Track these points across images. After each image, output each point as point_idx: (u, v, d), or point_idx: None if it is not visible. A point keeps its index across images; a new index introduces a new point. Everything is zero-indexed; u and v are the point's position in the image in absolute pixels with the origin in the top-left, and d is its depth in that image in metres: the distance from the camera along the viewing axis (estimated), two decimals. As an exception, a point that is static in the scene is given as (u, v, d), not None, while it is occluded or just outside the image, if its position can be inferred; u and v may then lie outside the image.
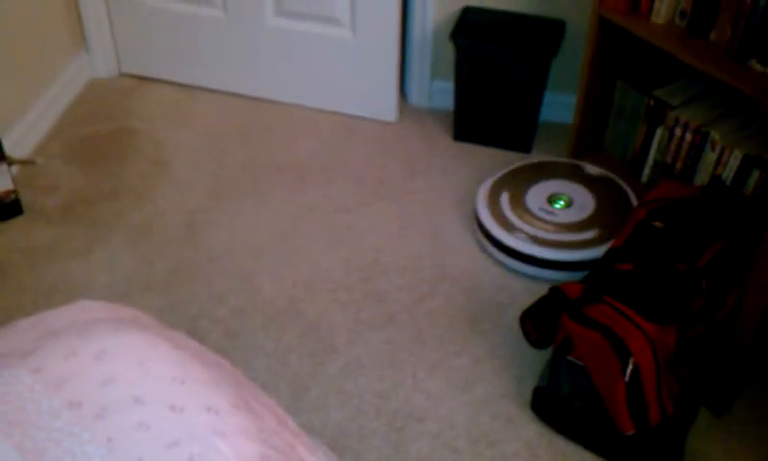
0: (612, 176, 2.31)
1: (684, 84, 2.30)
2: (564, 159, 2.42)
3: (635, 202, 2.20)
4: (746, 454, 1.70)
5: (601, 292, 1.61)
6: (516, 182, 2.29)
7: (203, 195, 2.40)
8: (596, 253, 2.04)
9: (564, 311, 1.62)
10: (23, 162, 2.43)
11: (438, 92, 2.77)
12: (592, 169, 2.34)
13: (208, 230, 2.27)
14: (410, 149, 2.61)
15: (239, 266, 2.14)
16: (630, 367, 1.53)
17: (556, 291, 1.68)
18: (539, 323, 1.81)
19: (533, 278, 2.12)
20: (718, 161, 2.13)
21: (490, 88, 2.50)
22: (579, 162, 2.37)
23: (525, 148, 2.58)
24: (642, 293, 1.61)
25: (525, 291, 2.06)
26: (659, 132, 2.29)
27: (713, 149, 2.13)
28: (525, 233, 2.11)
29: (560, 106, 2.66)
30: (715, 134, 2.13)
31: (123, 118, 2.72)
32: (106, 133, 2.65)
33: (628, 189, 2.26)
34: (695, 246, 1.70)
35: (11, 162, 2.28)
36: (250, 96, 2.83)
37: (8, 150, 2.28)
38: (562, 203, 2.21)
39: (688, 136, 2.20)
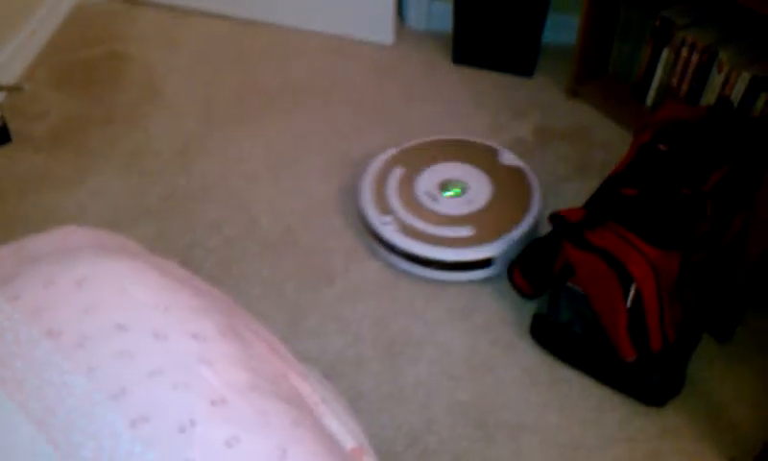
0: (525, 169, 2.05)
1: (690, 5, 2.22)
2: (483, 142, 2.14)
3: (536, 203, 1.95)
4: (747, 380, 1.68)
5: (603, 217, 1.57)
6: (419, 158, 2.07)
7: (196, 121, 2.34)
8: (462, 254, 1.83)
9: (565, 236, 1.58)
10: (10, 88, 2.36)
11: (437, 13, 2.69)
12: (509, 158, 2.08)
13: (202, 157, 2.22)
14: (407, 73, 2.55)
15: (233, 194, 2.10)
16: (632, 293, 1.50)
17: (556, 217, 1.64)
18: (529, 272, 1.77)
19: (403, 270, 1.91)
20: (725, 84, 2.07)
21: (490, 9, 2.42)
22: (498, 148, 2.10)
23: (527, 71, 2.51)
24: (646, 217, 1.57)
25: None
26: (664, 53, 2.22)
27: (720, 71, 2.07)
28: (395, 218, 1.89)
29: (563, 27, 2.58)
30: (723, 56, 2.07)
31: (112, 42, 2.65)
32: (95, 58, 2.57)
33: (534, 186, 1.99)
34: (700, 169, 1.65)
35: (-3, 88, 2.23)
36: (242, 19, 2.75)
37: (-6, 75, 2.23)
38: (452, 191, 1.97)
39: (695, 58, 2.13)
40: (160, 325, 0.84)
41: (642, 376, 1.60)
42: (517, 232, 1.87)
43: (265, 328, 1.08)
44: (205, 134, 2.29)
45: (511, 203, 1.95)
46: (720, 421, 1.61)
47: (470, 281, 1.87)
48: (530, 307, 1.80)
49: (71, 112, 2.35)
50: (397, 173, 2.02)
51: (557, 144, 2.27)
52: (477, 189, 1.98)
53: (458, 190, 1.97)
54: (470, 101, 2.42)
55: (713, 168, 1.65)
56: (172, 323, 0.85)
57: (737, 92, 2.03)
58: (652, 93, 2.31)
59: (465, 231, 1.87)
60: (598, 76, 2.46)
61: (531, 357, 1.72)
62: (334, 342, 1.74)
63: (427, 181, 2.00)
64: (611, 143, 2.27)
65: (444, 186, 1.98)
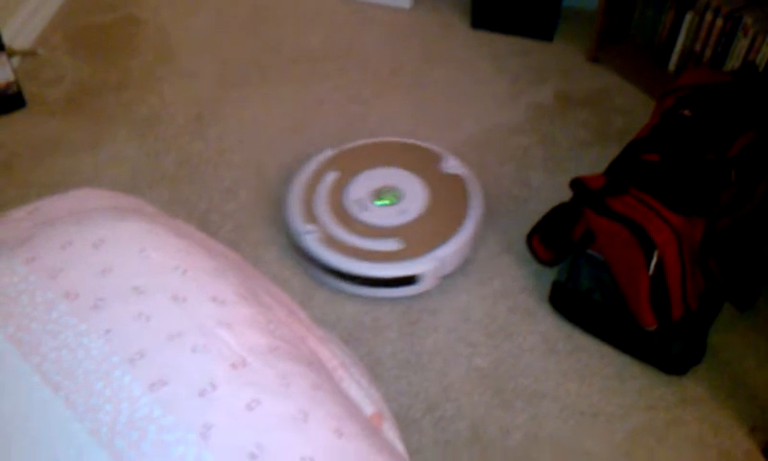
0: (466, 178, 1.89)
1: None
2: (428, 145, 1.99)
3: (473, 217, 1.79)
4: (770, 349, 1.66)
5: (625, 183, 1.54)
6: (357, 161, 1.92)
7: (211, 86, 2.32)
8: (385, 270, 1.69)
9: (586, 203, 1.55)
10: (24, 53, 2.35)
11: (455, -23, 2.65)
12: (452, 166, 1.92)
13: (217, 122, 2.20)
14: (425, 37, 2.51)
15: (249, 159, 2.08)
16: (654, 260, 1.47)
17: (577, 182, 1.61)
18: (548, 239, 1.75)
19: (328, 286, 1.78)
20: (750, 48, 2.02)
21: (509, -28, 2.38)
22: (443, 154, 1.95)
23: (546, 35, 2.47)
24: (669, 184, 1.54)
25: (549, 185, 1.99)
26: (688, 17, 2.18)
27: (745, 35, 2.03)
28: (319, 227, 1.75)
29: (583, -10, 2.54)
30: (748, 19, 2.02)
31: (127, 6, 2.62)
32: (109, 23, 2.55)
33: (475, 197, 1.84)
34: (725, 135, 1.61)
35: (11, 53, 2.20)
36: (258, -17, 2.72)
37: (7, 41, 2.20)
38: (385, 200, 1.82)
39: (719, 22, 2.09)
40: (179, 287, 0.83)
41: (663, 344, 1.58)
42: (447, 249, 1.72)
43: (283, 293, 1.06)
44: (221, 99, 2.27)
45: (446, 215, 1.79)
46: (741, 389, 1.59)
47: (488, 249, 1.85)
48: (549, 275, 1.77)
49: (86, 77, 2.33)
50: (330, 177, 1.87)
51: (577, 110, 2.24)
52: (412, 198, 1.83)
53: (392, 199, 1.81)
54: (489, 66, 2.39)
55: (738, 134, 1.61)
56: (190, 285, 0.84)
57: (763, 56, 1.99)
58: (674, 58, 2.27)
59: (391, 245, 1.72)
60: (620, 40, 2.42)
61: (550, 325, 1.70)
62: (351, 308, 1.72)
63: (361, 187, 1.85)
64: (632, 109, 2.23)
65: (378, 194, 1.82)
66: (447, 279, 1.78)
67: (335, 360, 0.98)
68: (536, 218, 1.81)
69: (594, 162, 2.05)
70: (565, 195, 1.75)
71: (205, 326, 0.79)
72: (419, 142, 2.01)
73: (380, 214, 1.79)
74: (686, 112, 1.68)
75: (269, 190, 1.99)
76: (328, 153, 1.96)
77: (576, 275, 1.64)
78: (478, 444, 1.49)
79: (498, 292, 1.76)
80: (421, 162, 1.93)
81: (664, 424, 1.53)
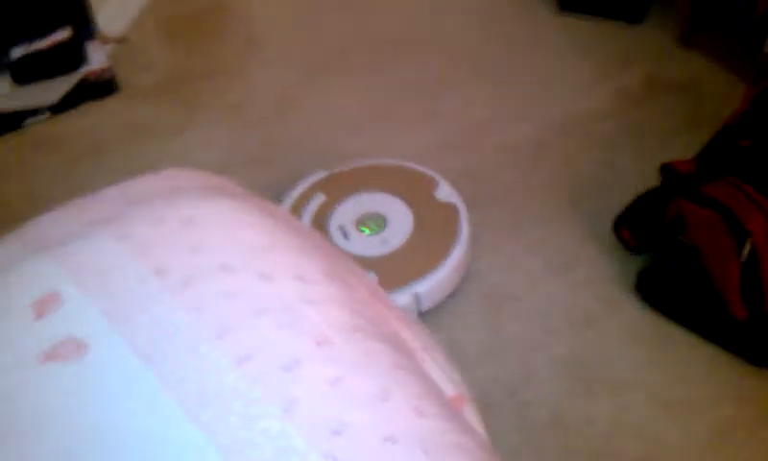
0: (459, 208, 1.76)
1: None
2: (423, 169, 1.87)
3: (458, 252, 1.68)
4: None
5: (718, 168, 1.50)
6: (346, 185, 1.82)
7: (296, 72, 2.35)
8: None
9: (678, 190, 1.51)
10: (117, 40, 2.42)
11: (541, -40, 2.61)
12: (445, 193, 1.80)
13: (302, 107, 2.23)
14: (510, 21, 2.48)
15: (333, 144, 2.10)
16: (747, 247, 1.43)
17: (666, 168, 1.57)
18: (636, 225, 1.71)
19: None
20: None
21: (597, -46, 2.33)
22: (439, 180, 1.83)
23: (636, 18, 2.41)
24: (762, 170, 1.49)
25: (635, 172, 1.95)
26: (785, -3, 2.09)
27: None
28: None
29: (674, -28, 2.46)
30: None
31: (215, -5, 2.68)
32: (198, 11, 2.61)
33: (463, 229, 1.72)
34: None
35: (104, 40, 2.27)
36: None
37: (101, 28, 2.27)
38: (368, 229, 1.72)
39: (819, 2, 2.00)
40: (265, 265, 0.84)
41: (754, 335, 1.54)
42: (422, 286, 1.62)
43: (365, 274, 1.07)
44: (306, 85, 2.30)
45: (429, 248, 1.68)
46: (837, 385, 1.53)
47: (572, 236, 1.82)
48: (634, 263, 1.74)
49: (176, 64, 2.39)
50: (317, 201, 1.79)
51: (666, 95, 2.18)
52: (397, 228, 1.72)
53: (374, 228, 1.72)
54: (575, 50, 2.35)
55: (838, 118, 1.55)
56: (276, 263, 0.85)
57: None
58: (769, 42, 2.19)
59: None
60: (712, 24, 2.34)
61: (635, 314, 1.66)
62: (432, 293, 1.73)
63: (346, 213, 1.76)
64: (723, 95, 2.16)
65: (363, 221, 1.73)
66: (529, 266, 1.76)
67: (417, 342, 0.98)
68: (621, 206, 1.78)
69: (683, 149, 1.99)
70: (652, 182, 1.72)
71: (290, 303, 0.80)
72: (416, 166, 1.88)
73: (361, 243, 1.70)
74: (781, 96, 1.62)
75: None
76: (319, 175, 1.87)
77: (665, 262, 1.61)
78: (560, 430, 1.48)
79: (582, 280, 1.74)
80: (414, 189, 1.82)
81: (753, 417, 1.49)
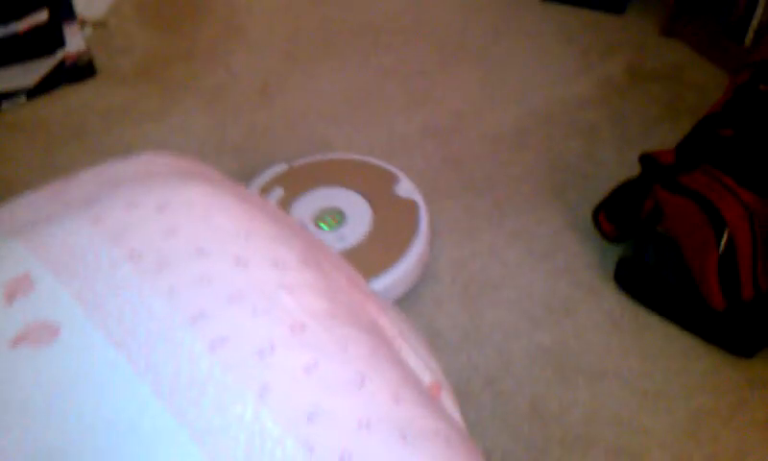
0: (419, 205, 1.74)
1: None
2: (384, 164, 1.85)
3: (416, 250, 1.64)
4: None
5: (697, 159, 1.50)
6: (306, 179, 1.78)
7: (277, 58, 2.33)
8: None
9: (656, 179, 1.52)
10: (96, 23, 2.39)
11: (524, -52, 2.60)
12: (405, 189, 1.77)
13: (283, 93, 2.21)
14: (492, 8, 2.48)
15: (314, 131, 2.09)
16: (724, 238, 1.43)
17: (646, 158, 1.57)
18: (615, 215, 1.71)
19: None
20: (832, 21, 1.95)
21: (580, -58, 2.33)
22: (399, 175, 1.80)
23: (617, 8, 2.41)
24: (742, 160, 1.49)
25: (617, 161, 1.95)
26: (766, -11, 2.10)
27: (827, 7, 1.95)
28: None
29: (657, -38, 2.47)
30: (830, -9, 1.94)
31: (196, -22, 2.65)
32: (178, -6, 2.58)
33: (422, 227, 1.69)
34: (803, 110, 1.56)
35: (83, 23, 2.25)
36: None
37: (80, 11, 2.24)
38: (325, 225, 1.68)
39: (800, -7, 2.01)
40: (241, 251, 0.83)
41: (731, 325, 1.54)
42: (380, 283, 1.57)
43: (343, 261, 1.06)
44: (287, 70, 2.28)
45: (387, 244, 1.64)
46: (813, 374, 1.54)
47: (553, 225, 1.82)
48: (614, 252, 1.74)
49: (155, 48, 2.37)
50: (276, 195, 1.75)
51: (648, 84, 2.18)
52: (355, 224, 1.68)
53: (331, 224, 1.68)
54: (559, 39, 2.35)
55: (818, 109, 1.56)
56: (252, 249, 0.84)
57: None
58: (750, 33, 2.19)
59: None
60: (694, 13, 2.35)
61: (614, 302, 1.67)
62: (412, 281, 1.72)
63: (303, 209, 1.72)
64: (705, 85, 2.17)
65: (321, 217, 1.69)
66: (509, 254, 1.76)
67: (394, 329, 0.98)
68: (602, 194, 1.78)
69: (665, 139, 2.00)
70: (634, 171, 1.72)
71: (266, 289, 0.79)
72: (376, 161, 1.86)
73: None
74: (762, 87, 1.62)
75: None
76: (278, 168, 1.83)
77: (643, 252, 1.61)
78: (538, 418, 1.48)
79: (562, 268, 1.74)
80: (374, 184, 1.78)
81: (729, 407, 1.50)
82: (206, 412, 0.68)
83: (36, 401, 0.70)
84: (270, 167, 1.84)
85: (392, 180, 1.80)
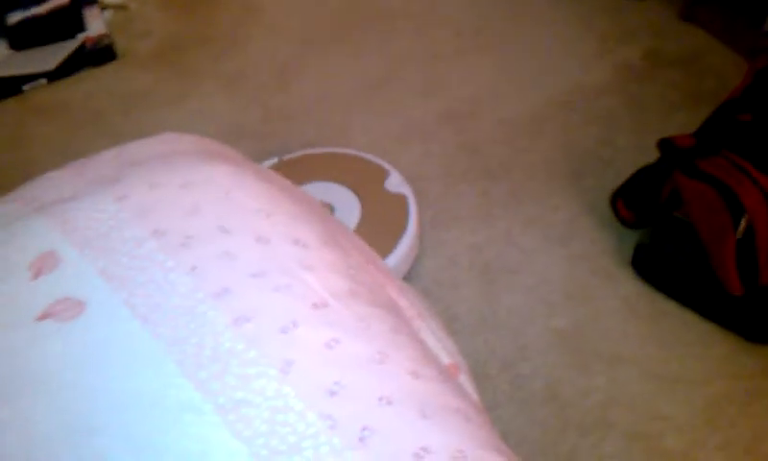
0: (408, 199, 1.72)
1: None
2: (374, 159, 1.82)
3: (404, 246, 1.63)
4: None
5: (716, 144, 1.50)
6: (295, 174, 1.66)
7: (296, 42, 2.34)
8: None
9: (675, 164, 1.51)
10: (116, 7, 2.40)
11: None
12: (395, 183, 1.74)
13: (301, 78, 2.22)
14: (511, -5, 2.47)
15: (331, 115, 2.09)
16: (743, 224, 1.43)
17: (665, 143, 1.57)
18: (633, 201, 1.71)
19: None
20: None
21: (600, -72, 2.32)
22: (390, 170, 1.78)
23: (635, -7, 2.40)
24: (761, 145, 1.48)
25: (635, 147, 1.94)
26: (787, -26, 2.08)
27: None
28: None
29: (676, -53, 2.45)
30: None
31: (214, -37, 2.65)
32: (198, -22, 2.59)
33: (411, 223, 1.67)
34: (823, 96, 1.55)
35: (103, 7, 2.26)
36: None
37: (101, -6, 2.26)
38: None
39: (822, -21, 1.99)
40: (263, 229, 0.84)
41: (749, 311, 1.54)
42: None
43: (363, 242, 1.07)
44: (305, 55, 2.29)
45: (375, 239, 1.50)
46: (831, 361, 1.54)
47: (570, 211, 1.82)
48: (632, 237, 1.74)
49: (175, 32, 2.38)
50: None
51: (667, 70, 2.17)
52: (343, 218, 1.65)
53: None
54: (577, 23, 2.34)
55: (838, 95, 1.55)
56: (274, 228, 0.85)
57: None
58: (771, 18, 2.18)
59: None
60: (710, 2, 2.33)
61: (631, 288, 1.67)
62: (428, 264, 1.73)
63: None
64: (724, 70, 2.16)
65: None
66: (525, 240, 1.76)
67: (413, 310, 0.98)
68: (620, 180, 1.78)
69: (683, 124, 1.99)
70: (652, 157, 1.71)
71: (288, 267, 0.80)
72: (367, 156, 1.83)
73: None
74: (783, 72, 1.61)
75: (350, 146, 2.00)
76: (269, 162, 1.80)
77: (661, 237, 1.61)
78: (555, 403, 1.48)
79: (578, 254, 1.74)
80: (363, 179, 1.75)
81: (745, 393, 1.49)
82: (230, 386, 0.69)
83: (62, 375, 0.71)
84: (260, 162, 1.82)
85: (382, 174, 1.77)
